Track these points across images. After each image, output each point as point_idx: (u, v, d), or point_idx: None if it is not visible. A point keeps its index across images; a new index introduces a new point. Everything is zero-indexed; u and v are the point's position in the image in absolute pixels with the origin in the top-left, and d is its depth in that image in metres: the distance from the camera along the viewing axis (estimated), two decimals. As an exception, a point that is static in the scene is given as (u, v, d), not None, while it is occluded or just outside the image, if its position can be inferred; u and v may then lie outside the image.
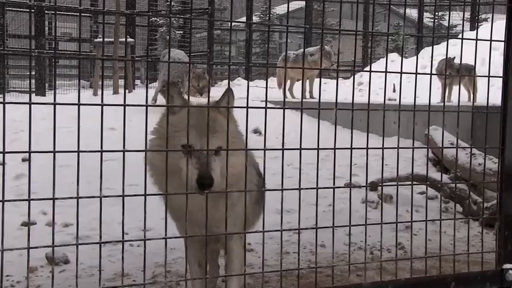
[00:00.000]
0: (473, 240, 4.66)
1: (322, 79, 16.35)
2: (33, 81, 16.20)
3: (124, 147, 2.25)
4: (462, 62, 3.68)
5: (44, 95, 15.35)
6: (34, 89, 15.85)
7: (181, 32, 22.74)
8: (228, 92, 2.73)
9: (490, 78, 3.23)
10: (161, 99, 10.77)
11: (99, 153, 2.22)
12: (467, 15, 23.12)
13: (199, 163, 2.46)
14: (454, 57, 10.13)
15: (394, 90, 13.54)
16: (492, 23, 3.21)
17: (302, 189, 2.67)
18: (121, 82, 13.91)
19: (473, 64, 3.22)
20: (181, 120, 2.55)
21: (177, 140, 2.53)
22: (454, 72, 10.15)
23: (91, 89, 14.85)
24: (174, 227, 2.93)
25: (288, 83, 12.90)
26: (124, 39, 13.82)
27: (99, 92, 11.69)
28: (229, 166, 2.56)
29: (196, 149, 2.51)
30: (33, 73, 16.19)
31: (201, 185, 2.41)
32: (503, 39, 3.13)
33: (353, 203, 2.93)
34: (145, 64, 14.18)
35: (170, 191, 2.47)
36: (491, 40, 3.12)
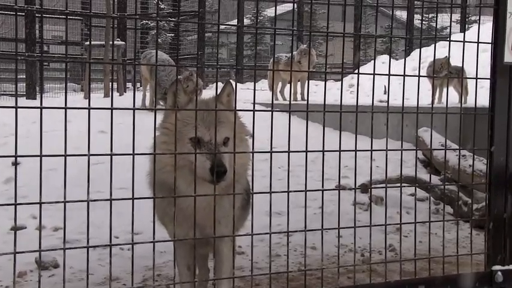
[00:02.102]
0: (463, 242, 4.66)
1: (314, 81, 16.35)
2: (24, 84, 16.10)
3: (111, 150, 2.25)
4: (452, 64, 3.70)
5: (35, 98, 15.25)
6: (24, 93, 15.75)
7: (173, 34, 22.70)
8: (228, 84, 2.78)
9: (481, 80, 3.24)
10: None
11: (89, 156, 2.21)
12: (457, 17, 23.21)
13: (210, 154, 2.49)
14: (446, 57, 10.09)
15: (385, 92, 13.56)
16: (479, 25, 3.23)
17: (290, 191, 2.67)
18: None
19: (461, 66, 3.24)
20: (189, 114, 2.58)
21: (185, 133, 2.56)
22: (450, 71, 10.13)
23: (82, 92, 14.82)
24: (164, 230, 2.92)
25: (280, 85, 12.88)
26: (116, 42, 13.78)
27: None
28: (237, 157, 2.60)
29: (205, 141, 2.53)
30: (24, 76, 16.07)
31: (216, 173, 2.43)
32: (491, 41, 3.15)
33: (343, 205, 2.93)
34: (135, 67, 14.11)
35: (180, 187, 2.51)
36: (478, 42, 3.13)
